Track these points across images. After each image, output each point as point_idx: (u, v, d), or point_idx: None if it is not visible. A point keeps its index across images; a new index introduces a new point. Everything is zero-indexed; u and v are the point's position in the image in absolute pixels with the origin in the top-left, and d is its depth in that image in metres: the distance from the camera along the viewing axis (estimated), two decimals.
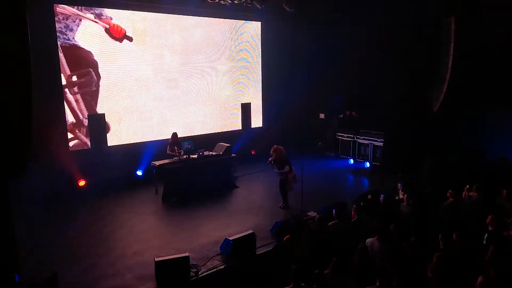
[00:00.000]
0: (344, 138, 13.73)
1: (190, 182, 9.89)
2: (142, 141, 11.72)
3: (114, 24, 10.77)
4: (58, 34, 9.89)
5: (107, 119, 10.53)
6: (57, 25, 9.86)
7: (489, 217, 5.89)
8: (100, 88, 10.76)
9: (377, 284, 4.45)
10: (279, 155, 8.86)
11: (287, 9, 12.22)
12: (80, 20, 10.20)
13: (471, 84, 10.64)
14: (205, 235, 7.60)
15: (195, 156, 10.11)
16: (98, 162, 10.32)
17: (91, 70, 10.45)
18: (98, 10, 10.48)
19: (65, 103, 10.19)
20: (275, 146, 9.04)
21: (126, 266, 6.46)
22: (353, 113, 14.01)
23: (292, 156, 9.43)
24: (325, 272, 4.84)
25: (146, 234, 7.86)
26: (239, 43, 13.90)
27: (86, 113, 10.55)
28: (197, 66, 12.79)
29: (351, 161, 13.27)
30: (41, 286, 5.21)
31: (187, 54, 12.46)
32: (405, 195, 7.84)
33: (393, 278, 4.55)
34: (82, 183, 10.38)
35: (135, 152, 11.32)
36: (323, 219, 6.84)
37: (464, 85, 10.77)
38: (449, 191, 7.45)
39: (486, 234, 5.69)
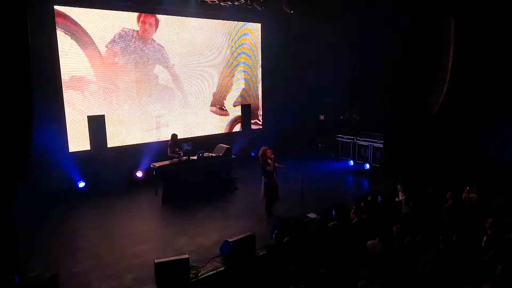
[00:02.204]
0: (344, 140, 13.73)
1: (190, 183, 9.88)
2: (142, 142, 11.71)
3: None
4: None
5: (107, 119, 10.51)
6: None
7: (489, 220, 5.85)
8: (100, 89, 10.77)
9: (376, 284, 4.45)
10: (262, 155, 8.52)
11: (287, 11, 12.24)
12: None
13: (471, 85, 10.63)
14: (205, 237, 7.59)
15: (195, 157, 10.10)
16: (98, 163, 10.31)
17: None
18: None
19: (64, 102, 10.21)
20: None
21: (126, 267, 6.45)
22: (353, 114, 14.01)
23: (292, 158, 9.43)
24: (322, 272, 4.83)
25: (146, 236, 7.85)
26: (239, 44, 13.91)
27: None
28: (197, 67, 12.80)
29: (351, 162, 13.26)
30: (40, 287, 5.20)
31: (187, 55, 12.47)
32: (404, 196, 7.85)
33: (393, 279, 4.54)
34: (82, 184, 10.37)
35: (135, 153, 11.31)
36: (323, 221, 6.83)
37: (464, 86, 10.77)
38: (449, 192, 7.45)
39: (485, 237, 5.67)
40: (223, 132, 13.79)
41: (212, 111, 13.18)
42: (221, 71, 13.45)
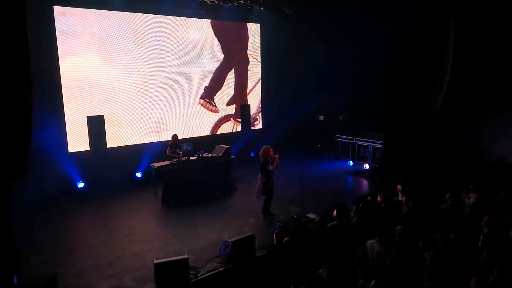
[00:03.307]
0: (343, 140, 13.72)
1: (190, 183, 9.86)
2: (141, 142, 11.71)
3: None
4: None
5: (107, 120, 10.51)
6: None
7: (485, 218, 5.87)
8: (100, 90, 10.77)
9: (373, 282, 4.43)
10: (264, 154, 8.56)
11: (287, 11, 12.26)
12: None
13: (471, 85, 10.64)
14: (205, 237, 7.60)
15: (195, 157, 10.10)
16: (98, 163, 10.31)
17: None
18: None
19: (64, 103, 10.20)
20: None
21: (125, 268, 6.45)
22: (353, 114, 14.01)
23: (292, 158, 9.43)
24: (319, 272, 4.83)
25: (145, 236, 7.85)
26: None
27: None
28: (196, 68, 12.81)
29: (351, 163, 13.26)
30: (40, 287, 5.20)
31: (186, 55, 12.47)
32: (404, 197, 7.85)
33: (391, 278, 4.54)
34: (81, 184, 10.36)
35: (134, 154, 11.31)
36: (323, 221, 6.83)
37: (464, 86, 10.77)
38: (448, 193, 7.45)
39: (482, 236, 5.68)
40: (223, 133, 13.78)
41: (200, 103, 13.02)
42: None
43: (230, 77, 13.85)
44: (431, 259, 4.78)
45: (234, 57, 13.83)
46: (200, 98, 13.04)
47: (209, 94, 13.22)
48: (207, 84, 13.11)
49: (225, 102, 13.84)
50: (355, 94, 13.56)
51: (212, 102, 13.28)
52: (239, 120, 14.00)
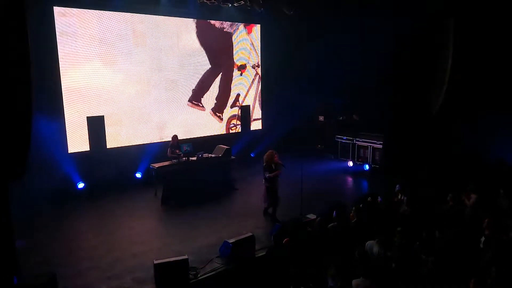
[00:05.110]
0: (343, 141, 13.73)
1: (190, 184, 9.87)
2: (141, 143, 11.71)
3: None
4: None
5: (107, 120, 10.51)
6: None
7: (485, 220, 5.85)
8: (100, 90, 10.76)
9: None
10: (269, 159, 8.43)
11: (287, 12, 12.26)
12: None
13: (470, 85, 10.63)
14: (204, 238, 7.59)
15: (195, 158, 10.11)
16: (98, 164, 10.31)
17: None
18: None
19: (64, 103, 10.20)
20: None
21: (125, 268, 6.45)
22: (353, 115, 14.01)
23: (292, 159, 9.41)
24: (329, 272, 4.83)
25: (145, 236, 7.85)
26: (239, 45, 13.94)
27: None
28: (196, 68, 12.81)
29: (351, 163, 13.25)
30: (40, 287, 5.20)
31: (186, 56, 12.48)
32: (403, 197, 7.85)
33: (390, 279, 4.54)
34: (81, 185, 10.36)
35: (134, 154, 11.31)
36: (323, 222, 6.83)
37: (463, 86, 10.77)
38: (449, 194, 7.44)
39: (483, 238, 5.67)
40: (223, 133, 13.78)
41: (188, 105, 12.82)
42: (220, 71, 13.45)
43: (217, 81, 13.65)
44: (431, 260, 4.78)
45: (220, 64, 13.59)
46: (188, 101, 12.87)
47: (195, 97, 13.05)
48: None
49: (212, 104, 13.61)
50: (355, 94, 13.54)
51: (199, 104, 13.19)
52: (218, 114, 13.84)
